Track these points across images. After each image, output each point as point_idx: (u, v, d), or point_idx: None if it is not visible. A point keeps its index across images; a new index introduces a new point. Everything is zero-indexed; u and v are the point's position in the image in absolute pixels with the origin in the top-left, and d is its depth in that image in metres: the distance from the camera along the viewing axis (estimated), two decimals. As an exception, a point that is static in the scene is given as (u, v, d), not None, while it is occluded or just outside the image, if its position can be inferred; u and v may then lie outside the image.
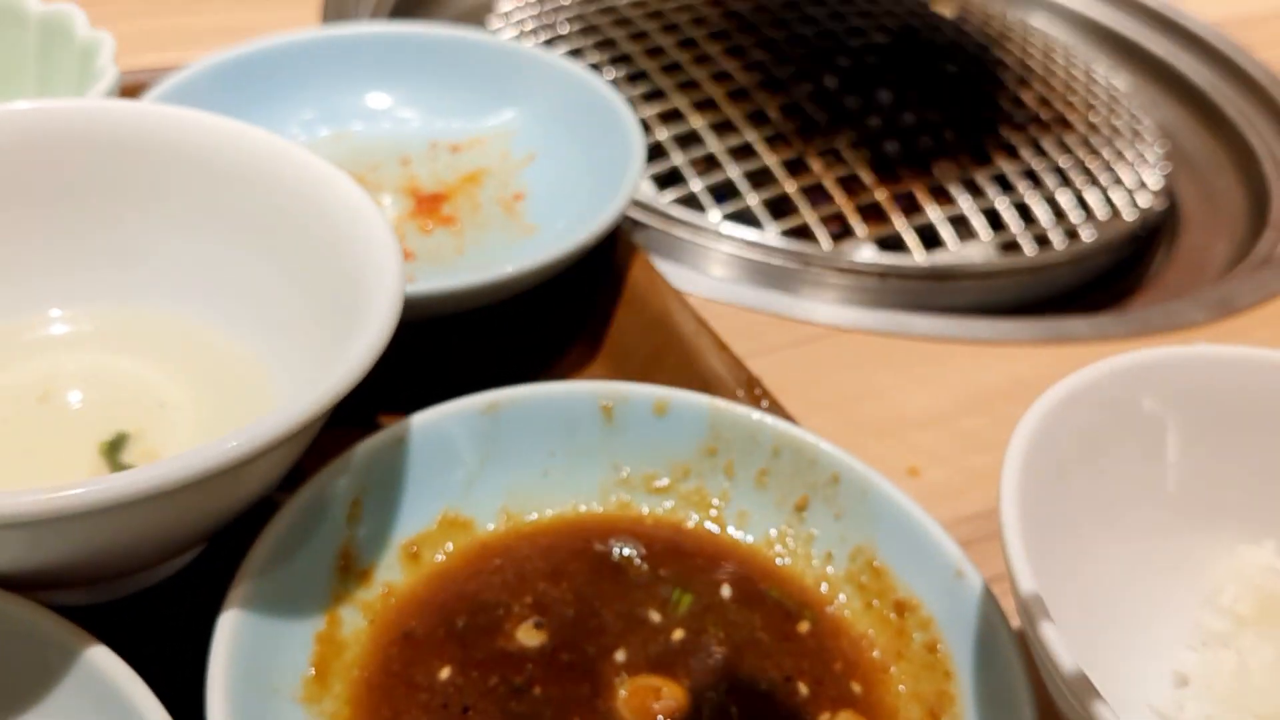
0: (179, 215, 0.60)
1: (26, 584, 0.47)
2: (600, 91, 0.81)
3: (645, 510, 0.58)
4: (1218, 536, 0.57)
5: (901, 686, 0.52)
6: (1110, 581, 0.54)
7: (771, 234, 0.93)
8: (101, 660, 0.44)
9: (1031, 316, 0.89)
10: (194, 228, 0.60)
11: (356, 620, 0.51)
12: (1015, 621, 0.51)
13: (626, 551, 0.56)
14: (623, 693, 0.50)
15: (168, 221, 0.60)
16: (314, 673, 0.48)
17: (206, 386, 0.59)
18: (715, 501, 0.59)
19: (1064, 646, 0.43)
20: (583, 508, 0.58)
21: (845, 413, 0.73)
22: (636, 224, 0.93)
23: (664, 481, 0.59)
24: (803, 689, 0.52)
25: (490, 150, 0.84)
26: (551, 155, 0.82)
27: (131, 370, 0.60)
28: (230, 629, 0.45)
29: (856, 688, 0.52)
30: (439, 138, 0.85)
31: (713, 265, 0.93)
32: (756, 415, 0.59)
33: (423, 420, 0.56)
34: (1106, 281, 1.05)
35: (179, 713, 0.43)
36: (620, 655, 0.52)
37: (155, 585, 0.57)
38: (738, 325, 0.81)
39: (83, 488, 0.41)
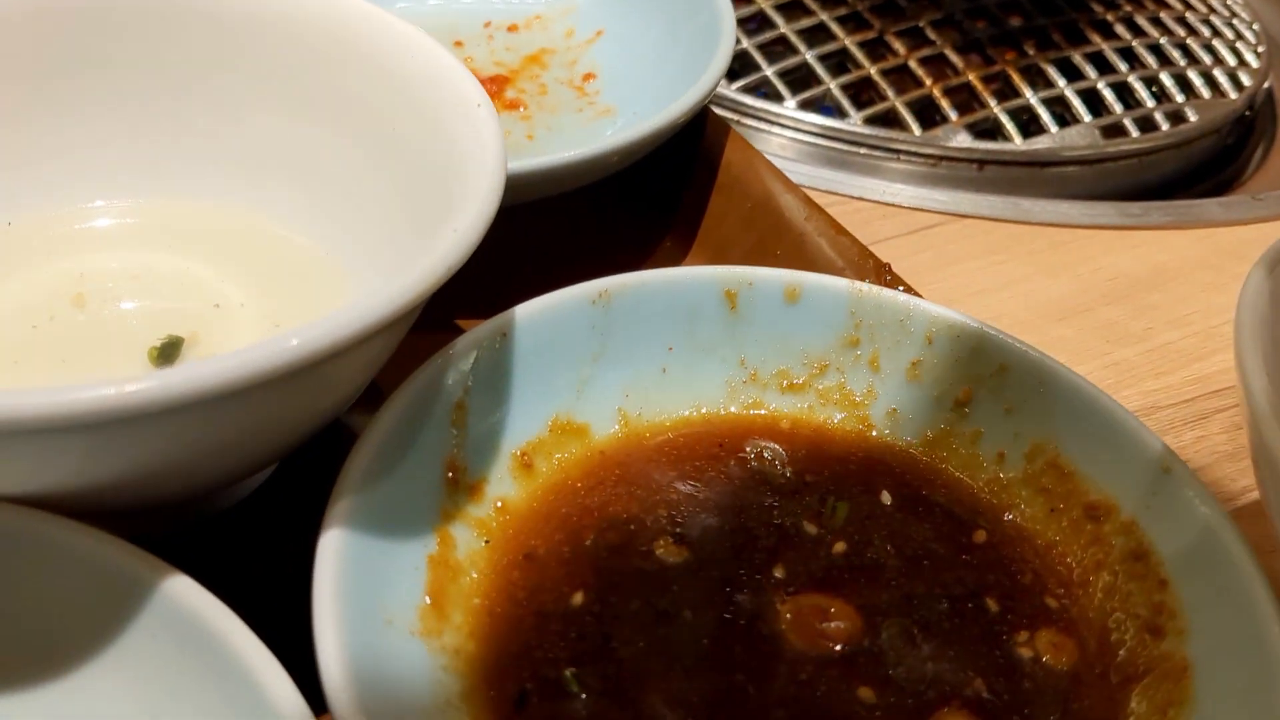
0: (236, 86, 0.51)
1: (83, 510, 0.39)
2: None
3: (780, 410, 0.51)
4: None
5: (1105, 600, 0.45)
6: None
7: (854, 121, 0.84)
8: (183, 591, 0.37)
9: (1157, 200, 0.81)
10: (254, 102, 0.51)
11: (471, 540, 0.43)
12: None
13: (767, 455, 0.49)
14: (787, 615, 0.43)
15: (225, 94, 0.51)
16: (429, 601, 0.40)
17: (271, 285, 0.51)
18: (860, 399, 0.51)
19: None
20: (708, 409, 0.50)
21: (974, 305, 0.65)
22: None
23: (800, 378, 0.51)
24: (991, 606, 0.44)
25: (553, 29, 0.75)
26: (621, 30, 0.74)
27: (183, 268, 0.52)
28: (335, 551, 0.37)
29: (1052, 603, 0.45)
30: (494, 17, 0.76)
31: (791, 156, 0.85)
32: (904, 298, 0.51)
33: (527, 312, 0.48)
34: (1209, 170, 0.96)
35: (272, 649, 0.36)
36: (778, 572, 0.45)
37: (220, 515, 0.50)
38: (838, 214, 0.73)
39: (146, 382, 0.33)
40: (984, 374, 0.49)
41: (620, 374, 0.50)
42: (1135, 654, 0.42)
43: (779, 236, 0.62)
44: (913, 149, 0.84)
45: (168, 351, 0.49)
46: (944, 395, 0.50)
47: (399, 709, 0.36)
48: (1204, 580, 0.42)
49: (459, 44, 0.74)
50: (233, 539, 0.48)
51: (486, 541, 0.44)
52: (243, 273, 0.52)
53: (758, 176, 0.65)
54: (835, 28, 0.90)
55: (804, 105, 0.85)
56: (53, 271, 0.50)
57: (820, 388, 0.51)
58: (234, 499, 0.49)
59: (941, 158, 0.85)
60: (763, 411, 0.51)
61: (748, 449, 0.49)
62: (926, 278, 0.67)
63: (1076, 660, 0.43)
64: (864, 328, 0.51)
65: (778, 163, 0.80)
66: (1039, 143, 0.86)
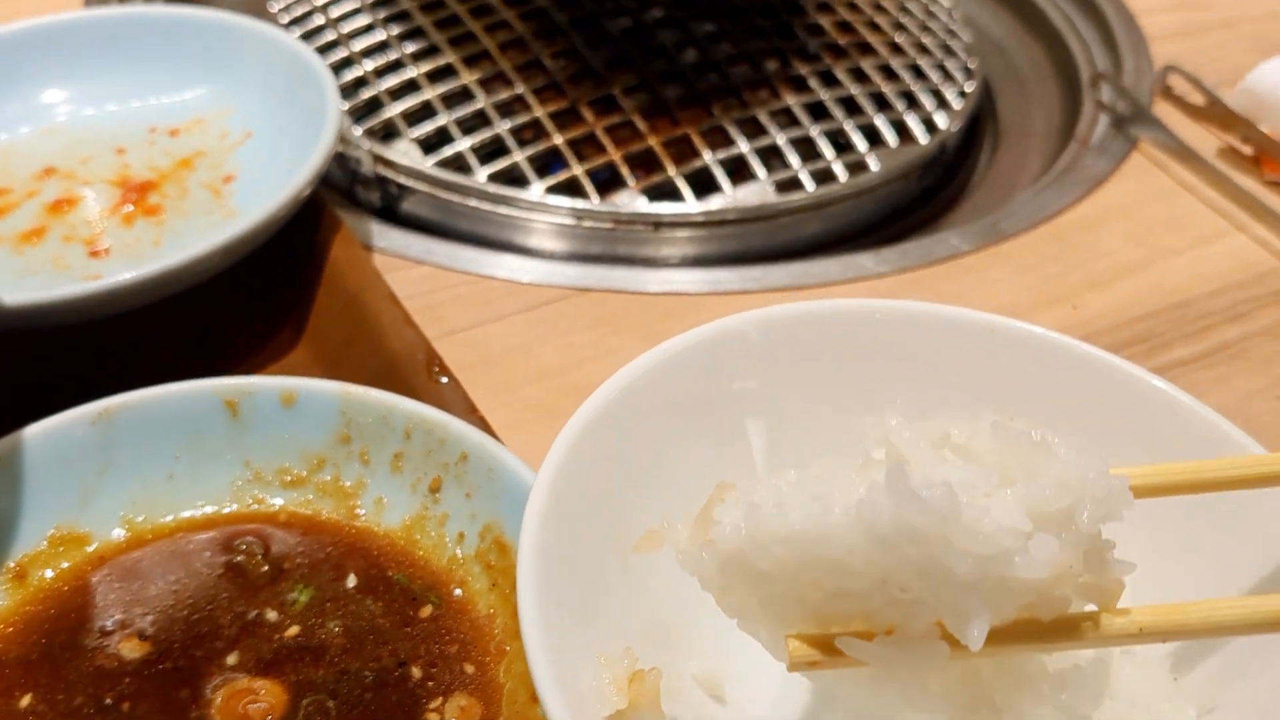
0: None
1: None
2: (305, 60, 0.78)
3: (279, 505, 0.57)
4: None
5: (517, 665, 0.50)
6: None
7: (537, 190, 0.90)
8: None
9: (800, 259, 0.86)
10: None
11: (-58, 650, 0.50)
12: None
13: (251, 549, 0.55)
14: (218, 699, 0.49)
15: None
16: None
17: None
18: (350, 489, 0.57)
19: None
20: (212, 509, 0.56)
21: (569, 376, 0.70)
22: (404, 189, 0.90)
23: (300, 474, 0.57)
24: (415, 673, 0.50)
25: (210, 131, 0.81)
26: (267, 132, 0.79)
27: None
28: None
29: (470, 669, 0.51)
30: (158, 122, 0.82)
31: (481, 227, 0.90)
32: (388, 398, 0.57)
33: (28, 435, 0.54)
34: (928, 200, 1.02)
35: None
36: (231, 659, 0.50)
37: None
38: (466, 293, 0.78)
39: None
40: (450, 462, 0.55)
41: (126, 484, 0.56)
42: (517, 712, 0.48)
43: (363, 330, 0.68)
44: (593, 217, 0.89)
45: None
46: (420, 482, 0.56)
47: None
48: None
49: (121, 150, 0.80)
50: None
51: (-38, 649, 0.50)
52: None
53: (356, 270, 0.71)
54: (531, 100, 0.96)
55: (494, 177, 0.91)
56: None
57: (317, 481, 0.57)
58: None
59: (623, 222, 0.90)
60: (263, 507, 0.57)
61: (237, 544, 0.55)
62: (534, 352, 0.73)
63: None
64: (354, 425, 0.57)
65: (461, 239, 0.86)
66: (712, 203, 0.91)
